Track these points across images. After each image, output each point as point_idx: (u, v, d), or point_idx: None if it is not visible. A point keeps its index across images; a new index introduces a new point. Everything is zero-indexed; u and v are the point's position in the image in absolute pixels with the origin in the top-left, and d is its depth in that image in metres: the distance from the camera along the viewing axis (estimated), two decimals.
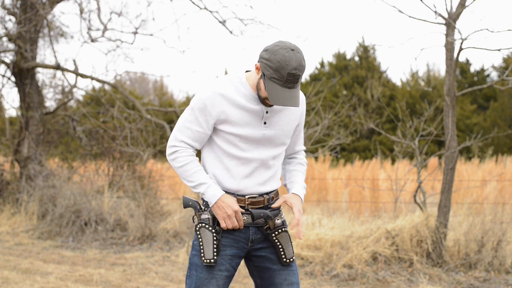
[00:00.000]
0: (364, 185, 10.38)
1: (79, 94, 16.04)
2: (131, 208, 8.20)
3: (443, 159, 6.34)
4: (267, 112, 2.48)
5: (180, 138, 2.48)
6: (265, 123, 2.48)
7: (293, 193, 2.57)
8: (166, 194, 10.11)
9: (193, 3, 9.36)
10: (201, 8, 9.34)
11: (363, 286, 5.47)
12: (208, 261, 2.42)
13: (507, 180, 10.61)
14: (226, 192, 2.49)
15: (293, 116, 2.56)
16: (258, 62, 2.40)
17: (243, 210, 2.47)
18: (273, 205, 2.52)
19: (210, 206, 2.44)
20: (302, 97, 2.61)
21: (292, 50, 2.33)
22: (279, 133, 2.51)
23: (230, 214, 2.41)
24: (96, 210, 8.12)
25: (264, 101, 2.44)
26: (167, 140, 10.54)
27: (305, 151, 9.57)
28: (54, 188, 8.81)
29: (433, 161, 13.55)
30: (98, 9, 9.91)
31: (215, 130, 2.49)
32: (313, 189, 11.07)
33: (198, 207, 2.50)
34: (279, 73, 2.31)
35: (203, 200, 2.53)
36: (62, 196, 8.38)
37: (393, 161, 16.22)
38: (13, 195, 9.39)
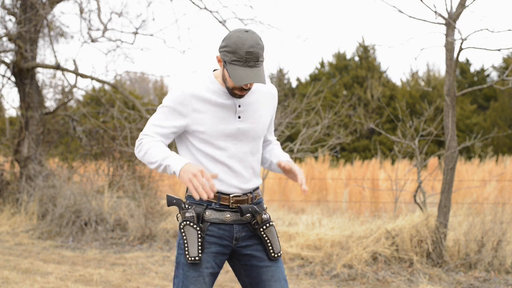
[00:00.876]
0: (364, 185, 10.38)
1: (79, 94, 16.09)
2: (131, 208, 8.19)
3: (443, 159, 6.34)
4: (239, 106, 2.48)
5: (146, 132, 2.47)
6: (239, 117, 2.48)
7: (286, 160, 2.59)
8: (166, 194, 10.11)
9: (193, 3, 9.36)
10: (201, 8, 9.34)
11: (363, 286, 5.47)
12: (192, 258, 2.41)
13: (507, 180, 10.61)
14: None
15: (266, 108, 2.57)
16: (219, 53, 2.42)
17: (214, 174, 2.35)
18: (283, 165, 2.52)
19: (177, 175, 2.32)
20: (275, 92, 2.64)
21: (246, 31, 2.36)
22: (255, 127, 2.51)
23: (195, 172, 2.25)
24: (96, 210, 8.12)
25: (232, 92, 2.44)
26: None
27: (305, 151, 9.58)
28: (54, 188, 8.81)
29: (433, 161, 13.55)
30: (98, 9, 9.91)
31: (190, 132, 2.48)
32: (313, 189, 11.07)
33: (183, 205, 2.50)
34: (238, 54, 2.32)
35: (187, 199, 2.52)
36: (62, 196, 8.38)
37: (393, 161, 16.22)
38: (13, 195, 9.39)
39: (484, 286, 5.40)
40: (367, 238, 6.00)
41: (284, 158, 2.61)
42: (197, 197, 2.26)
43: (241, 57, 2.32)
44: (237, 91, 2.42)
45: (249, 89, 2.44)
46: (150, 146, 2.41)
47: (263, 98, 2.57)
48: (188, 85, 2.47)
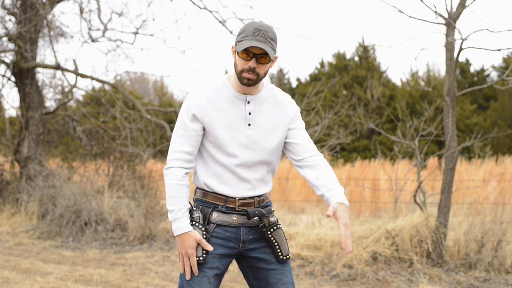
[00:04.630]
0: (364, 185, 10.38)
1: (79, 94, 16.09)
2: (131, 208, 8.19)
3: (443, 159, 6.34)
4: (250, 113, 2.49)
5: (175, 148, 2.51)
6: (249, 124, 2.49)
7: (338, 203, 2.40)
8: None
9: (193, 3, 9.37)
10: (201, 8, 9.34)
11: (363, 286, 5.47)
12: (197, 258, 2.44)
13: (507, 180, 10.60)
14: (218, 194, 2.50)
15: (279, 117, 2.55)
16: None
17: (210, 248, 2.45)
18: (327, 214, 2.39)
19: (175, 235, 2.49)
20: (289, 100, 2.62)
21: (258, 22, 2.45)
22: (264, 135, 2.51)
23: (189, 253, 2.44)
24: (96, 210, 8.12)
25: (241, 75, 2.44)
26: (167, 140, 10.57)
27: None
28: (54, 188, 8.81)
29: (433, 161, 13.55)
30: (98, 9, 9.91)
31: (204, 134, 2.52)
32: (313, 189, 11.05)
33: (190, 206, 2.53)
34: (247, 31, 2.40)
35: (195, 201, 2.56)
36: (62, 196, 8.38)
37: (393, 161, 16.23)
38: (13, 195, 9.39)
39: (484, 286, 5.40)
40: (367, 238, 6.00)
41: (337, 194, 2.42)
42: (182, 270, 2.48)
43: (249, 32, 2.39)
44: (245, 74, 2.43)
45: (258, 76, 2.43)
46: (171, 183, 2.49)
47: (275, 107, 2.56)
48: (203, 89, 2.52)
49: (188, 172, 2.51)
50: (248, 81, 2.43)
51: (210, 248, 2.44)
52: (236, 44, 2.44)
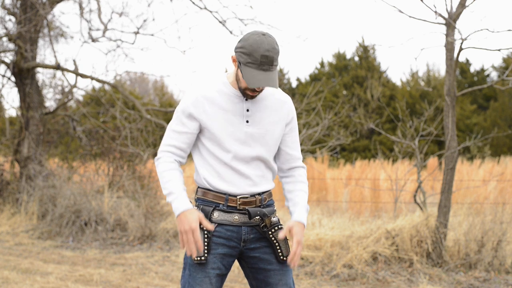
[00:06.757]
0: (364, 185, 10.38)
1: (79, 94, 16.07)
2: (131, 208, 8.19)
3: (443, 159, 6.34)
4: (248, 111, 2.50)
5: (167, 142, 2.53)
6: (247, 121, 2.50)
7: (296, 221, 2.52)
8: None
9: (194, 3, 9.37)
10: (201, 8, 9.35)
11: (363, 286, 5.47)
12: (198, 258, 2.43)
13: (507, 180, 10.60)
14: (219, 192, 2.50)
15: (277, 116, 2.56)
16: (234, 53, 2.45)
17: (210, 226, 2.41)
18: (279, 237, 2.49)
19: (176, 215, 2.44)
20: (288, 100, 2.62)
21: (263, 34, 2.38)
22: (263, 132, 2.52)
23: (187, 230, 2.36)
24: (96, 210, 8.11)
25: (244, 92, 2.46)
26: None
27: (305, 151, 9.57)
28: (54, 188, 8.81)
29: (433, 161, 13.56)
30: (99, 9, 9.91)
31: (201, 132, 2.52)
32: (312, 189, 11.07)
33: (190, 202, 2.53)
34: (253, 57, 2.35)
35: (196, 200, 2.56)
36: (62, 196, 8.38)
37: (393, 161, 16.24)
38: (13, 195, 9.39)
39: (484, 286, 5.40)
40: (367, 238, 6.00)
41: (299, 212, 2.53)
42: (188, 253, 2.38)
43: (256, 60, 2.35)
44: (248, 92, 2.45)
45: (260, 91, 2.46)
46: (165, 168, 2.49)
47: (273, 105, 2.56)
48: (201, 87, 2.52)
49: (178, 162, 2.52)
50: (251, 97, 2.47)
51: (211, 227, 2.40)
52: (239, 62, 2.40)
